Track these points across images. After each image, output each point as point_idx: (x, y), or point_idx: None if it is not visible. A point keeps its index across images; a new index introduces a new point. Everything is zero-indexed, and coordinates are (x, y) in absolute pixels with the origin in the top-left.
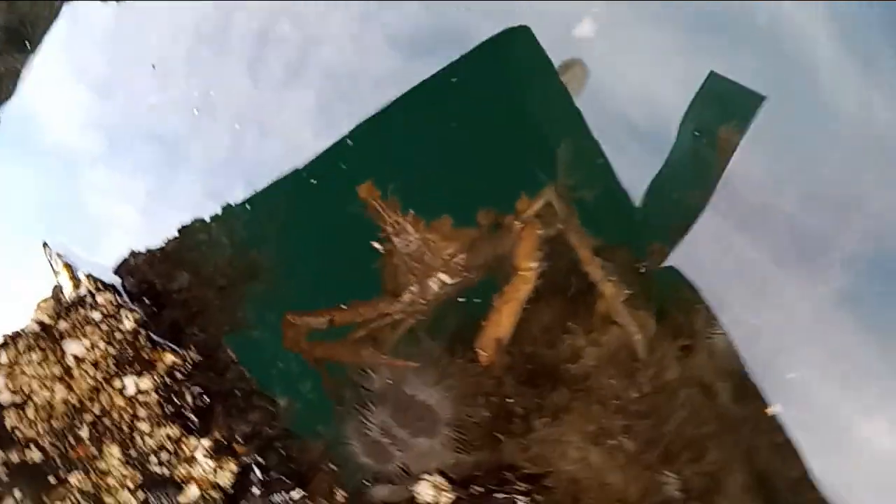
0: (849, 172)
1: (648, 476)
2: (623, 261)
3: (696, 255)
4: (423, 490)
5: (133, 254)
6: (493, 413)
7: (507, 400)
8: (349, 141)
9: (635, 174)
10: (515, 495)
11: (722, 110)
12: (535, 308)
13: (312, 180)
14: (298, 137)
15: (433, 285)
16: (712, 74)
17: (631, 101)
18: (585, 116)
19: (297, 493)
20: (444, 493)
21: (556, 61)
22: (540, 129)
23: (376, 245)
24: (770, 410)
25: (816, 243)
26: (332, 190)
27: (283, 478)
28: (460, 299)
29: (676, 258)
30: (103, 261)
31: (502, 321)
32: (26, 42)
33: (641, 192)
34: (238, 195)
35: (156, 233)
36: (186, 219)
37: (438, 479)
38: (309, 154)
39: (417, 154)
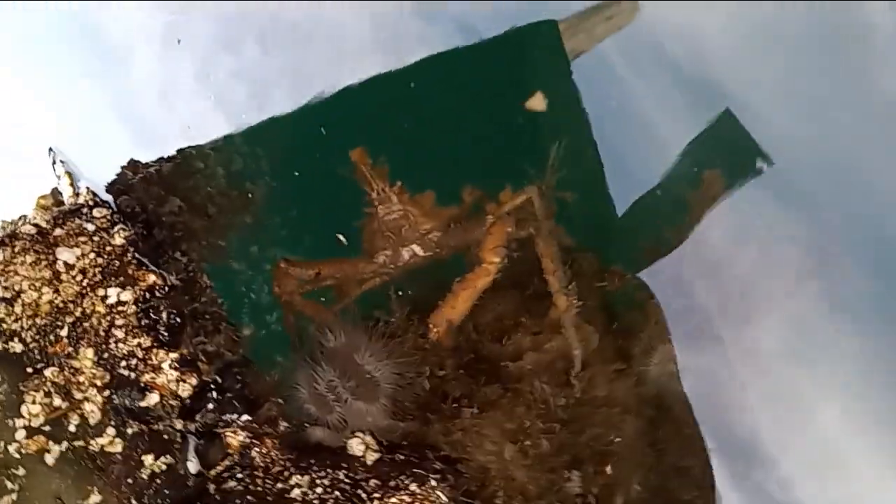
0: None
1: (551, 477)
2: (588, 268)
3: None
4: (354, 444)
5: (132, 165)
6: (430, 390)
7: (446, 382)
8: (353, 96)
9: (666, 109)
10: (430, 473)
11: (723, 154)
12: (494, 297)
13: (310, 128)
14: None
15: (405, 254)
16: (726, 113)
17: (672, 37)
18: (623, 48)
19: (245, 417)
20: (370, 451)
21: None
22: (541, 126)
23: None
24: None
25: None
26: (328, 139)
27: (236, 401)
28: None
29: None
30: (100, 176)
31: (457, 304)
32: None
33: (659, 138)
34: (249, 48)
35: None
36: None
37: (369, 439)
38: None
39: (418, 124)
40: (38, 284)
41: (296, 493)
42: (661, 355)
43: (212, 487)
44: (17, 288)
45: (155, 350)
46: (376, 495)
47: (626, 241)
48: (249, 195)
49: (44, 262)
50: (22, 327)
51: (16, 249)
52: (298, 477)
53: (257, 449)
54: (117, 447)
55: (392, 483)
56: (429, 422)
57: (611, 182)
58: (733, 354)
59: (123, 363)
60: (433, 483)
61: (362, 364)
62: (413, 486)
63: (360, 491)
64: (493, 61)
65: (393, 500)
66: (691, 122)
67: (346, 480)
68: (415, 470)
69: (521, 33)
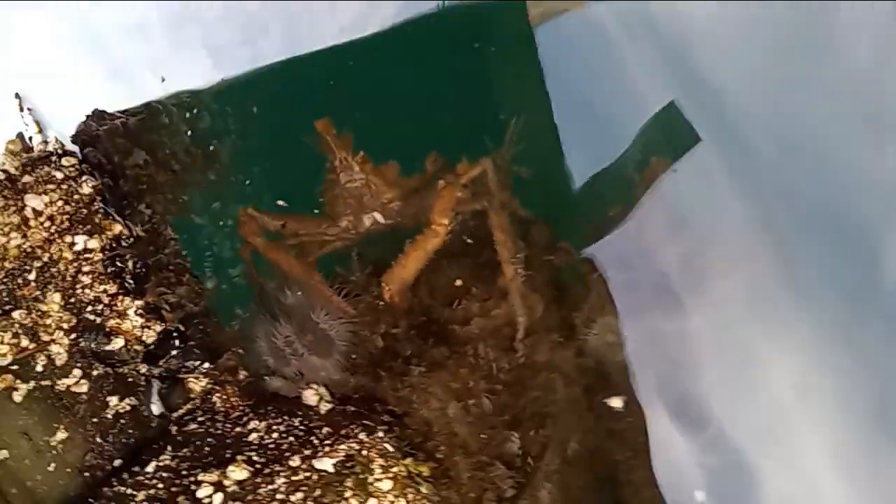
0: (840, 130)
1: (491, 434)
2: (540, 239)
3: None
4: (309, 395)
5: (97, 115)
6: (383, 348)
7: (398, 341)
8: (321, 59)
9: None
10: (378, 424)
11: (665, 138)
12: (449, 264)
13: (279, 86)
14: None
15: (366, 221)
16: (672, 104)
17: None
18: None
19: (207, 364)
20: (324, 402)
21: None
22: (504, 99)
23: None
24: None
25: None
26: (296, 102)
27: (198, 350)
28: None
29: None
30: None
31: (407, 264)
32: None
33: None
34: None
35: None
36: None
37: (322, 391)
38: None
39: (383, 92)
40: (6, 230)
41: (253, 437)
42: (601, 327)
43: (174, 429)
44: None
45: (121, 297)
46: (327, 442)
47: (577, 217)
48: (213, 152)
49: (12, 209)
50: None
51: None
52: (256, 422)
53: (218, 395)
54: (83, 388)
55: (343, 432)
56: (379, 378)
57: (590, 144)
58: (673, 325)
59: (90, 308)
60: (380, 434)
61: (318, 322)
62: (362, 436)
63: (312, 438)
64: (458, 31)
65: (343, 446)
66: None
67: (300, 427)
68: (364, 421)
69: (485, 6)
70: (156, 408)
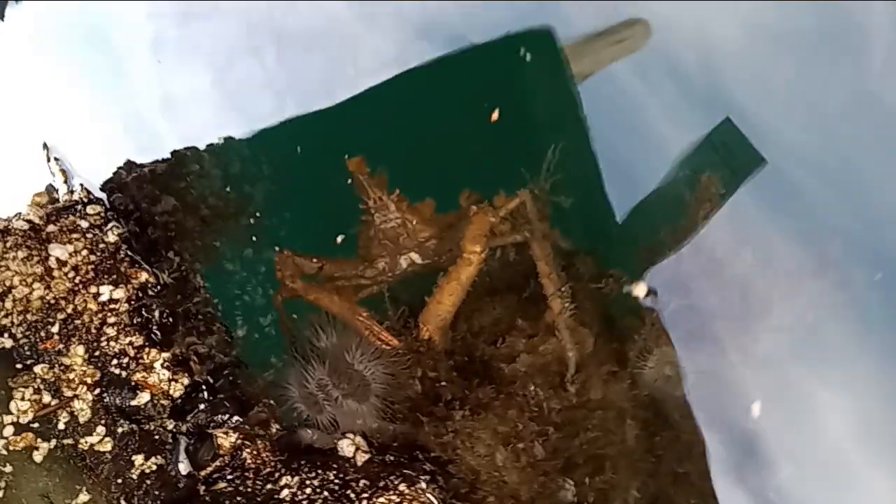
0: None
1: (544, 481)
2: (586, 272)
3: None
4: (345, 445)
5: (127, 165)
6: (422, 392)
7: (438, 384)
8: (354, 104)
9: (670, 121)
10: (420, 474)
11: (722, 160)
12: (490, 300)
13: (311, 135)
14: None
15: (403, 262)
16: (727, 121)
17: (683, 48)
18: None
19: (237, 418)
20: (361, 452)
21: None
22: (539, 130)
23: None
24: None
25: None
26: (328, 146)
27: (227, 402)
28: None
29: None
30: (95, 176)
31: (443, 298)
32: None
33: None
34: (270, 58)
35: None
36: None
37: (359, 440)
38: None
39: (417, 130)
40: (29, 280)
41: (285, 493)
42: (658, 358)
43: (202, 489)
44: (7, 283)
45: (147, 349)
46: (365, 495)
47: (625, 245)
48: (244, 198)
49: (36, 258)
50: (12, 323)
51: (7, 245)
52: (288, 478)
53: (248, 450)
54: (107, 446)
55: (381, 483)
56: (420, 423)
57: (617, 190)
58: (734, 355)
59: (115, 361)
60: (423, 484)
61: (353, 363)
62: (402, 487)
63: (349, 491)
64: (488, 66)
65: (381, 500)
66: (698, 131)
67: (336, 481)
68: (404, 471)
69: (514, 39)
70: (183, 466)
